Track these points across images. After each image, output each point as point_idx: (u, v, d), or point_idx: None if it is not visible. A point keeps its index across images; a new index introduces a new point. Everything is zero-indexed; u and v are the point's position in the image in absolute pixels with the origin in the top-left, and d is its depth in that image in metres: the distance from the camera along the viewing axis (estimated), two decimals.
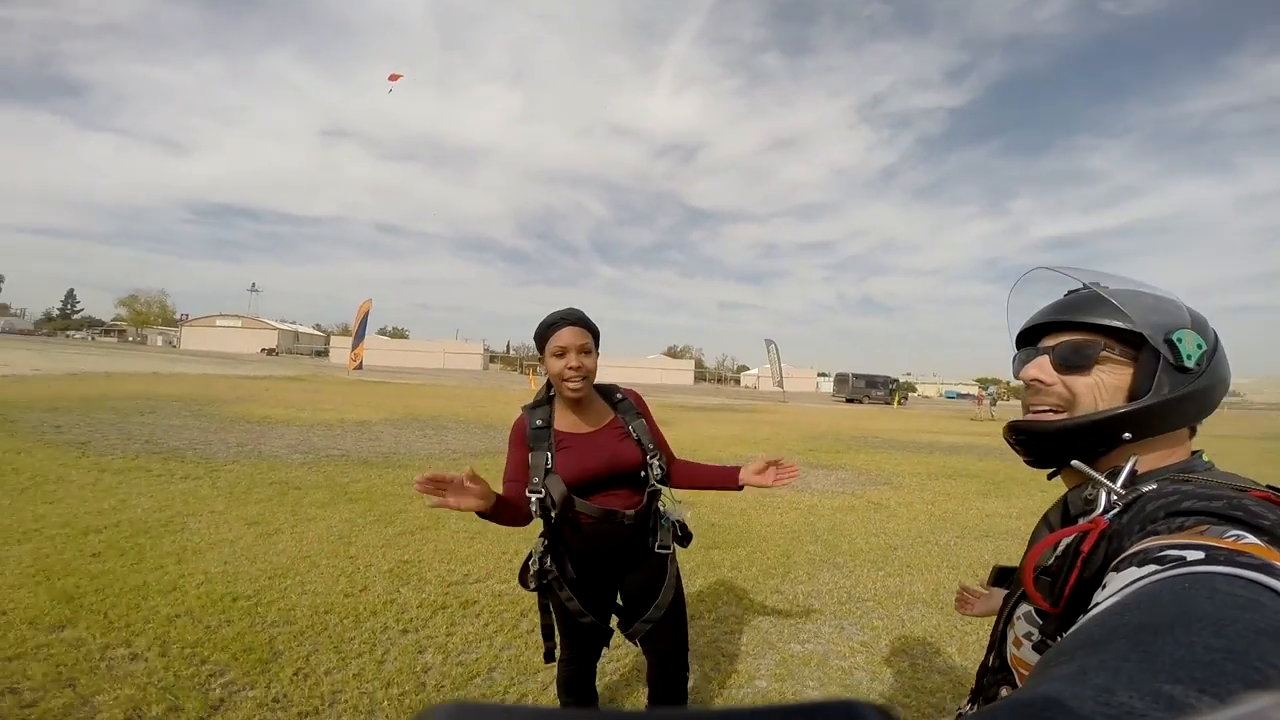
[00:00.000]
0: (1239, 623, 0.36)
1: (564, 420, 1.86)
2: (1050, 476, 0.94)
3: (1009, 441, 0.92)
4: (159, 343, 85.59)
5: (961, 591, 1.44)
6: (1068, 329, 0.86)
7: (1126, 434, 0.80)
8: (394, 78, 53.50)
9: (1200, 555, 0.48)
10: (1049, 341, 0.88)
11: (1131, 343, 0.81)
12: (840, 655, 3.01)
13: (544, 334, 1.79)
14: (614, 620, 1.97)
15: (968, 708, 1.02)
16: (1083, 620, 0.46)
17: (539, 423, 1.83)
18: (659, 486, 1.92)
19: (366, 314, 36.73)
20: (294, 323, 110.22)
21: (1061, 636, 0.72)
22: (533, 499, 1.73)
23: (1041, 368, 0.87)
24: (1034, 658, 0.80)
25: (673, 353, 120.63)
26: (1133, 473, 0.77)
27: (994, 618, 1.01)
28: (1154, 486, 0.73)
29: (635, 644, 1.97)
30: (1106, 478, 0.77)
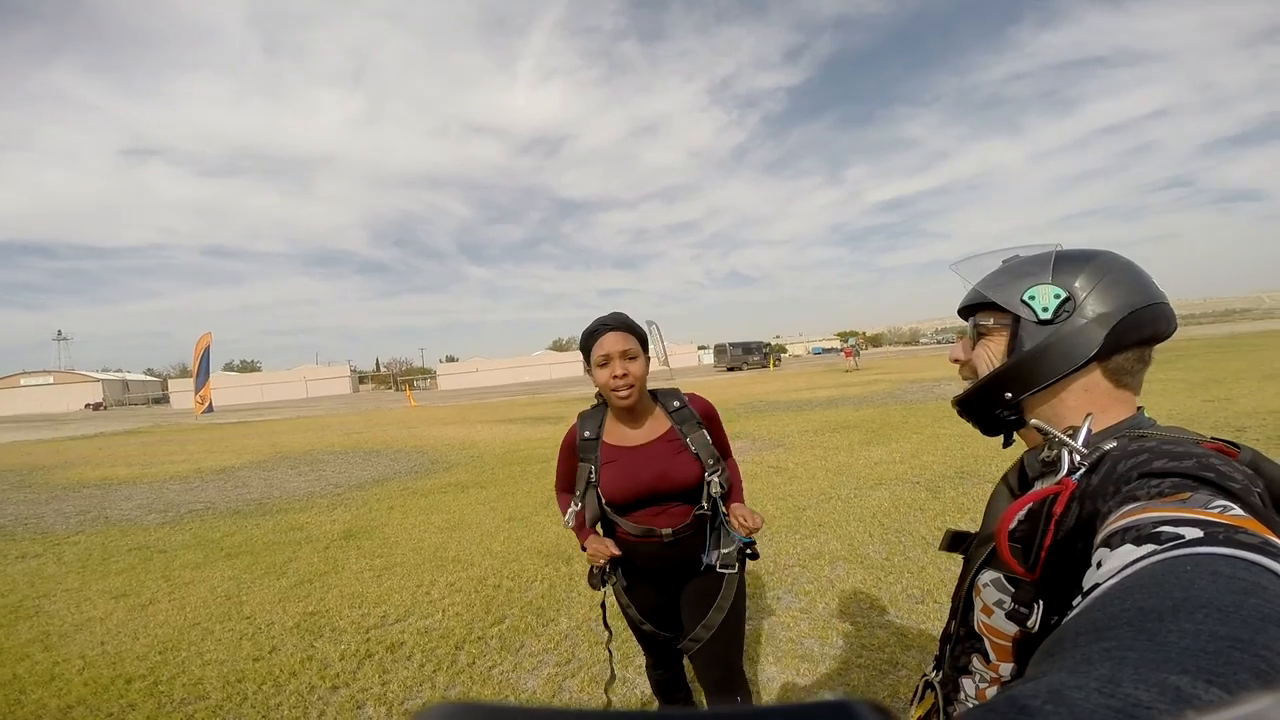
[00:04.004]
0: (1243, 609, 0.35)
1: (614, 431, 1.78)
2: (1005, 444, 0.98)
3: (959, 415, 0.99)
4: None
5: None
6: (975, 310, 0.95)
7: (1007, 392, 0.86)
8: None
9: (1199, 534, 0.46)
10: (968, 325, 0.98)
11: (1006, 311, 0.88)
12: (784, 625, 3.09)
13: (587, 343, 1.72)
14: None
15: (934, 675, 1.04)
16: (1083, 604, 0.44)
17: (588, 434, 1.80)
18: (718, 502, 1.75)
19: (207, 349, 33.59)
20: (120, 370, 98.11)
21: (1039, 604, 0.73)
22: (570, 513, 1.77)
23: (959, 348, 0.98)
24: (1007, 626, 0.80)
25: (559, 346, 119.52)
26: (1090, 431, 0.79)
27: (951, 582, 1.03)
28: (1115, 444, 0.74)
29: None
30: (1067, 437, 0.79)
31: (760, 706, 0.22)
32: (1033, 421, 0.85)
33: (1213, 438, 0.72)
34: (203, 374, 32.62)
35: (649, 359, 1.74)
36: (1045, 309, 0.82)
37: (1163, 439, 0.71)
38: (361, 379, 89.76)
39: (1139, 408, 0.85)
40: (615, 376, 1.65)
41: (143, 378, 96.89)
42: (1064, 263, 0.85)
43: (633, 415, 1.76)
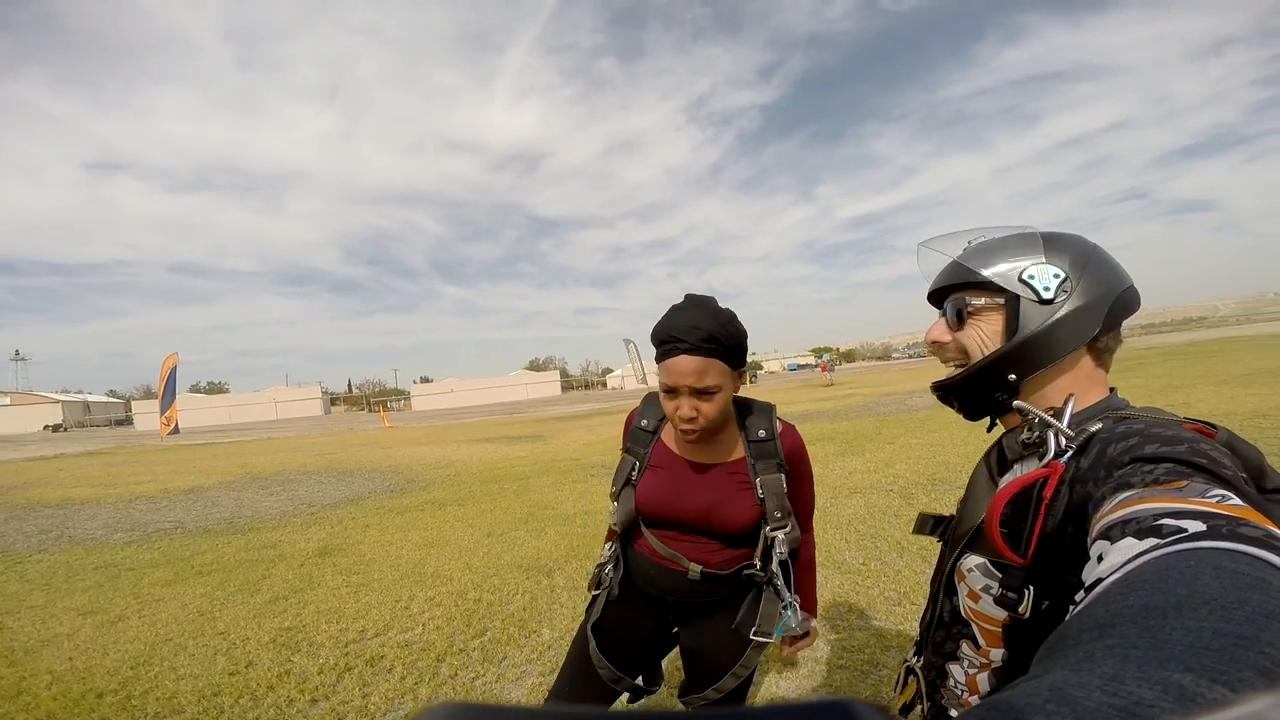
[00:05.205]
0: (1247, 605, 0.34)
1: (675, 434, 1.46)
2: (990, 428, 0.97)
3: (938, 399, 0.97)
4: None
5: None
6: (953, 290, 0.92)
7: (1011, 374, 0.83)
8: None
9: (1201, 527, 0.45)
10: (946, 305, 0.94)
11: (998, 290, 0.85)
12: None
13: (657, 351, 1.36)
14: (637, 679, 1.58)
15: (915, 661, 1.04)
16: (1086, 600, 0.43)
17: (645, 422, 1.51)
18: (758, 567, 1.44)
19: (173, 370, 32.87)
20: (81, 391, 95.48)
21: (1029, 589, 0.73)
22: (611, 508, 1.52)
23: (939, 329, 0.93)
24: (996, 611, 0.79)
25: (535, 365, 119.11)
26: (1073, 412, 0.78)
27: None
28: (1100, 425, 0.73)
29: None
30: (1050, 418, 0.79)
31: (759, 706, 0.22)
32: (1014, 403, 0.84)
33: (1187, 419, 0.73)
34: (169, 395, 31.84)
35: (741, 378, 1.41)
36: (1046, 289, 0.81)
37: (1150, 421, 0.71)
38: (333, 400, 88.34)
39: (1112, 388, 0.86)
40: (681, 418, 1.33)
41: (105, 399, 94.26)
42: (1051, 244, 0.85)
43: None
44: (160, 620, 3.82)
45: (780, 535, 1.38)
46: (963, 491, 0.98)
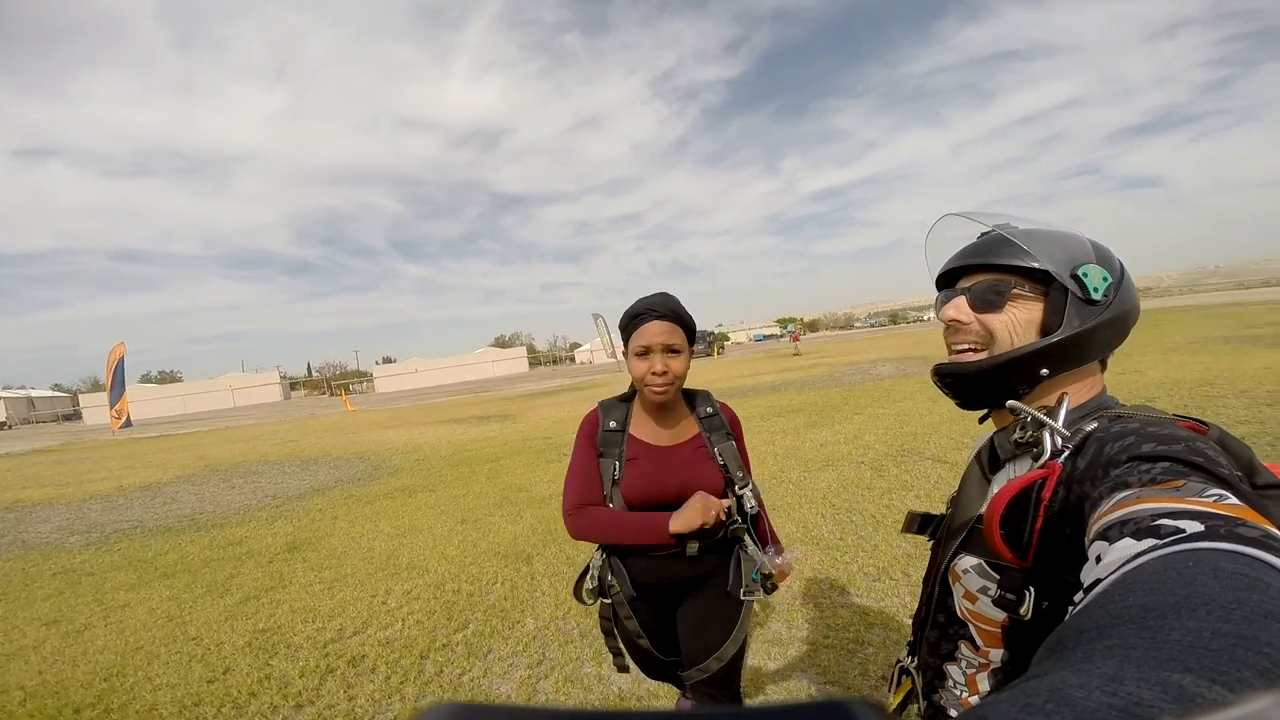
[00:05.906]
0: (1246, 605, 0.34)
1: (641, 426, 1.64)
2: (981, 420, 0.94)
3: (937, 385, 0.92)
4: None
5: None
6: (981, 270, 0.88)
7: (1044, 369, 0.81)
8: None
9: (1199, 527, 0.45)
10: (965, 283, 0.90)
11: (1041, 280, 0.83)
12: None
13: (628, 326, 1.57)
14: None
15: (909, 660, 1.03)
16: (1085, 600, 0.43)
17: (613, 424, 1.63)
18: (741, 522, 1.67)
19: (120, 360, 31.51)
20: (23, 387, 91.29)
21: (1029, 590, 0.73)
22: None
23: (959, 308, 0.88)
24: (995, 612, 0.79)
25: (501, 342, 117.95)
26: (1067, 411, 0.77)
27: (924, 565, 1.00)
28: (1096, 425, 0.73)
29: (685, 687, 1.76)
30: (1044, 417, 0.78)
31: (759, 706, 0.22)
32: (1009, 402, 0.82)
33: (1175, 415, 0.73)
34: (117, 387, 30.58)
35: (694, 353, 1.62)
36: (1095, 290, 0.80)
37: (1145, 419, 0.71)
38: (293, 385, 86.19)
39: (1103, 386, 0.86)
40: (655, 373, 1.52)
41: (50, 394, 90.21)
42: (1099, 250, 0.84)
43: (664, 412, 1.64)
44: (128, 627, 3.70)
45: (747, 492, 1.63)
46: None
